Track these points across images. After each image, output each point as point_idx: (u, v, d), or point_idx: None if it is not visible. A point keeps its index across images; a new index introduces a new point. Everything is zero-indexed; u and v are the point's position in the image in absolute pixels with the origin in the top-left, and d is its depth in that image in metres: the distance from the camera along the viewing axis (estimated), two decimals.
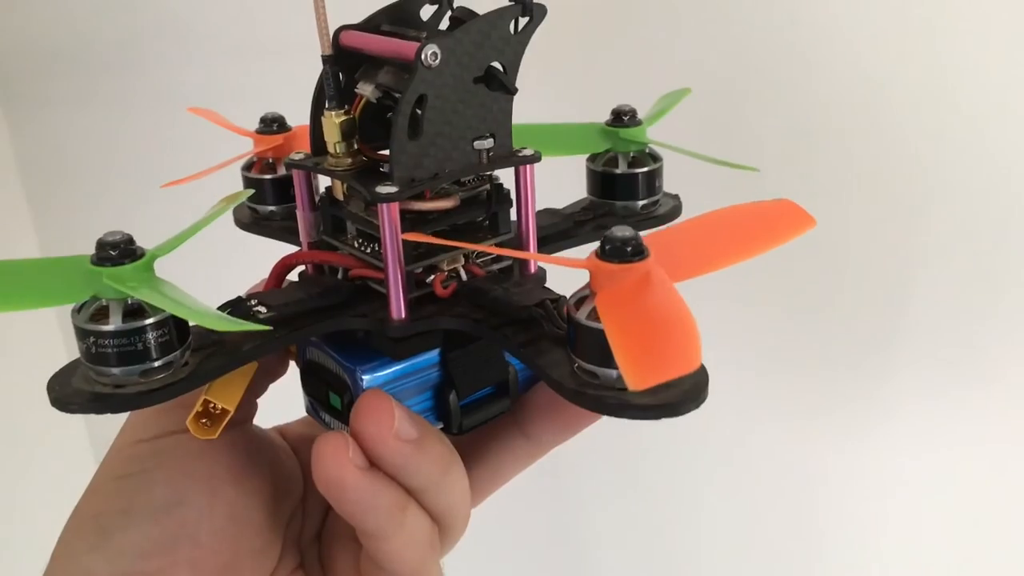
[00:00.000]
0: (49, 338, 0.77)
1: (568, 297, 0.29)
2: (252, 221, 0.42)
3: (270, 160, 0.41)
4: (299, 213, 0.35)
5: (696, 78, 0.46)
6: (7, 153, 0.80)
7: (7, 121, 0.81)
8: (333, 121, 0.33)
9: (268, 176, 0.41)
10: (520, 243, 0.35)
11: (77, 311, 0.29)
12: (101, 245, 0.28)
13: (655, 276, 0.26)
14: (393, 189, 0.31)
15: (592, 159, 0.40)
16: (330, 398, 0.34)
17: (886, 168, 0.61)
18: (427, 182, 0.32)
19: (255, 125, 0.41)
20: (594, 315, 0.27)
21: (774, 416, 0.69)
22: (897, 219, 0.62)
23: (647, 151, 0.40)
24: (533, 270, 0.35)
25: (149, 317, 0.28)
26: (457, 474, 0.34)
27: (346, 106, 0.33)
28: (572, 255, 0.34)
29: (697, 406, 0.27)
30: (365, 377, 0.33)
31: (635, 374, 0.23)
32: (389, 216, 0.31)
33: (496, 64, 0.32)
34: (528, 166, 0.34)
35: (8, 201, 0.81)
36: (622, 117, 0.40)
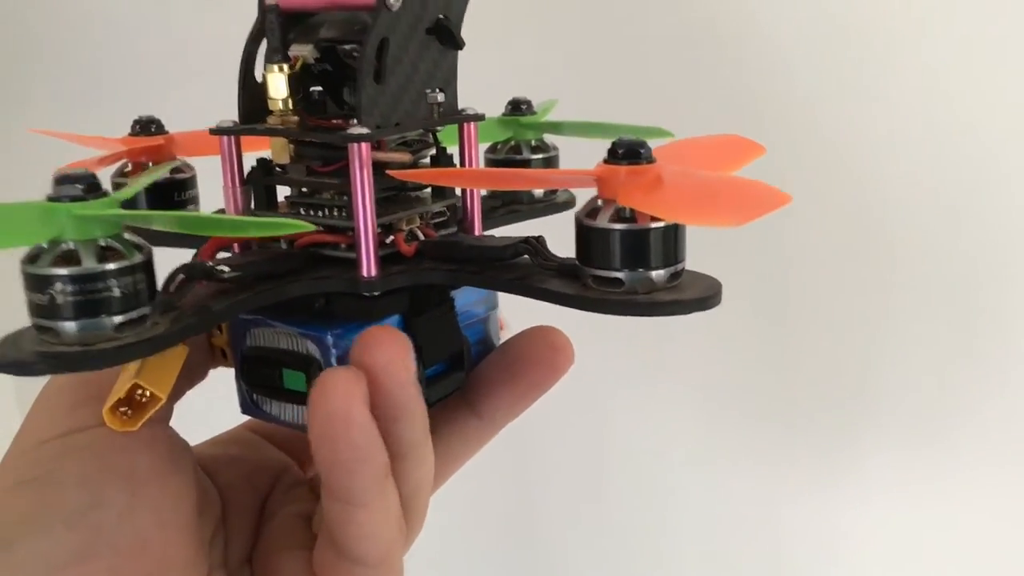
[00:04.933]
0: None
1: (578, 212, 0.28)
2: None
3: (150, 165, 0.38)
4: (226, 189, 0.33)
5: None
6: None
7: None
8: (282, 75, 0.31)
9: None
10: (465, 206, 0.34)
11: (32, 259, 0.24)
12: (62, 180, 0.25)
13: (673, 172, 0.27)
14: (366, 129, 0.29)
15: (491, 149, 0.41)
16: (284, 380, 0.31)
17: (857, 214, 0.61)
18: (390, 129, 0.31)
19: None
20: (617, 217, 0.27)
21: (744, 466, 0.67)
22: (869, 266, 0.62)
23: (543, 140, 0.41)
24: (478, 232, 0.35)
25: (125, 259, 0.25)
26: (430, 444, 0.31)
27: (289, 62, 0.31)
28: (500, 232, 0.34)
29: (718, 303, 0.27)
30: (340, 341, 0.30)
31: (731, 215, 0.23)
32: (361, 159, 0.29)
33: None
34: (472, 125, 0.34)
35: None
36: (520, 106, 0.41)
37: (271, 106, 0.31)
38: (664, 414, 0.67)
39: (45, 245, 0.24)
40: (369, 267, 0.30)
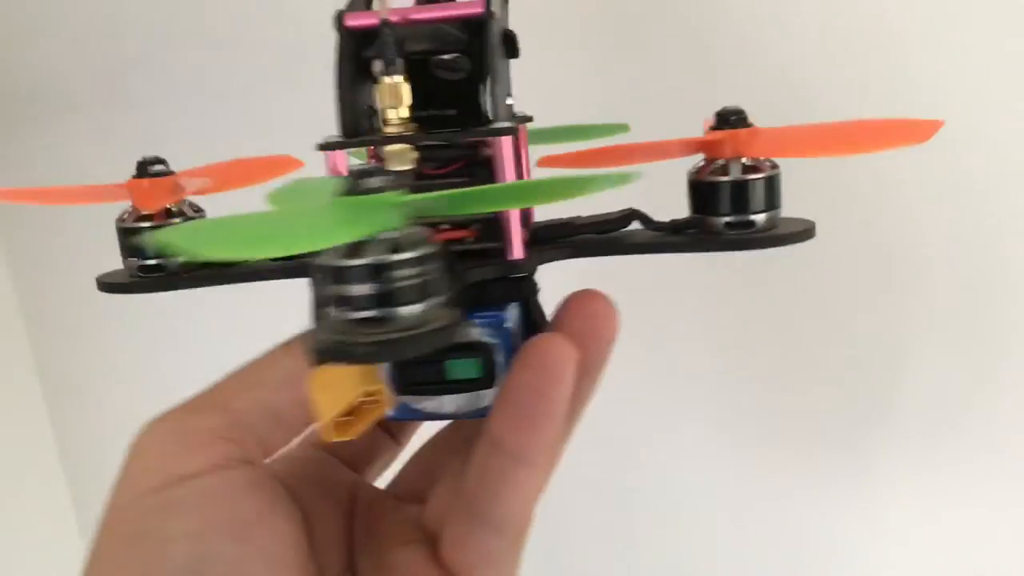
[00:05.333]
0: None
1: (696, 173, 0.34)
2: (155, 281, 0.35)
3: (173, 208, 0.36)
4: None
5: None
6: None
7: None
8: (400, 84, 0.32)
9: (178, 221, 0.35)
10: None
11: (353, 252, 0.24)
12: (362, 173, 0.25)
13: (775, 128, 0.34)
14: (508, 123, 0.32)
15: None
16: (447, 372, 0.32)
17: (868, 221, 0.60)
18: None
19: None
20: (752, 170, 0.33)
21: (767, 486, 0.68)
22: (881, 273, 0.61)
23: None
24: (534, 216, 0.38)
25: (431, 243, 0.26)
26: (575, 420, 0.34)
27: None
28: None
29: (815, 234, 0.34)
30: (510, 322, 0.32)
31: (915, 134, 0.29)
32: (507, 152, 0.32)
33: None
34: (525, 126, 0.37)
35: None
36: None
37: (388, 116, 0.32)
38: (678, 427, 0.68)
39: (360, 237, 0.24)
40: (517, 250, 0.33)
